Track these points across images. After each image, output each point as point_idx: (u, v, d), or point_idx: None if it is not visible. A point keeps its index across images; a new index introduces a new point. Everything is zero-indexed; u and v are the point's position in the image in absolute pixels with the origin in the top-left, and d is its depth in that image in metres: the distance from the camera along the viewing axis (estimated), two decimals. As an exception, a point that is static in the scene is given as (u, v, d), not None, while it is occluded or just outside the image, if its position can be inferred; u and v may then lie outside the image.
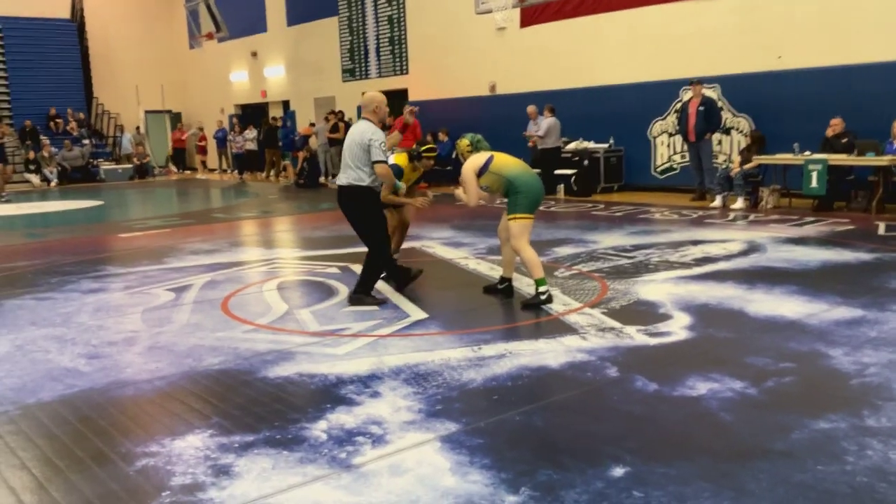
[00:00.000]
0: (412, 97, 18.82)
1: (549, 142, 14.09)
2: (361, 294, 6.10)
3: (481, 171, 5.92)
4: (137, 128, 25.45)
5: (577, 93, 14.83)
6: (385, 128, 6.64)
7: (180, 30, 27.06)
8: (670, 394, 3.89)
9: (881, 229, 8.74)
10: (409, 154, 6.92)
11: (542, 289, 5.73)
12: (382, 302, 6.10)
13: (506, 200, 5.92)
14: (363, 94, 6.50)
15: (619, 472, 3.04)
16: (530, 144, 14.60)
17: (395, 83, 19.24)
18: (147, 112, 26.59)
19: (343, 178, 6.07)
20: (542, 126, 14.10)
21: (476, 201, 6.02)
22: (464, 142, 6.22)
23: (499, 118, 16.22)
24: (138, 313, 6.09)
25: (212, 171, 25.40)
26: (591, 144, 14.24)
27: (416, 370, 4.40)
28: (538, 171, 14.34)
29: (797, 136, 10.90)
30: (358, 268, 7.55)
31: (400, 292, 6.41)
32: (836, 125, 10.56)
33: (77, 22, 26.03)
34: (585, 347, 4.71)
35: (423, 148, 6.94)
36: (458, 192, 6.23)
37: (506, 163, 5.91)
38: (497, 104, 16.64)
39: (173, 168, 26.28)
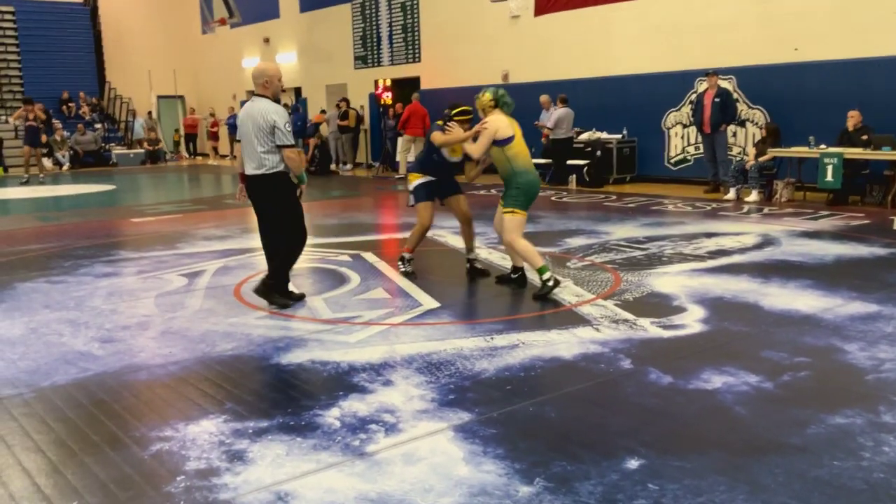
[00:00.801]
0: (424, 85, 18.79)
1: (561, 132, 14.03)
2: (272, 290, 5.62)
3: (498, 143, 5.79)
4: (150, 113, 25.48)
5: (591, 83, 14.75)
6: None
7: (193, 15, 27.03)
8: (685, 387, 3.87)
9: (896, 224, 8.68)
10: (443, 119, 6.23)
11: (545, 276, 5.68)
12: (298, 299, 5.72)
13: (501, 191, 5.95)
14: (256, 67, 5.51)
15: (633, 464, 3.03)
16: (543, 138, 14.56)
17: (407, 71, 19.19)
18: (159, 97, 26.61)
19: (250, 167, 5.42)
20: (553, 117, 14.05)
21: (480, 157, 5.92)
22: (486, 96, 5.94)
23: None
24: (151, 298, 6.11)
25: (223, 157, 25.42)
26: (603, 135, 14.17)
27: (428, 359, 4.39)
28: (549, 160, 14.47)
29: (812, 130, 10.81)
30: (371, 256, 7.57)
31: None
32: (854, 117, 10.46)
33: (90, 6, 26.06)
34: (599, 339, 4.69)
35: (455, 111, 6.18)
36: (468, 144, 5.97)
37: (519, 153, 5.86)
38: (510, 93, 16.47)
39: (185, 154, 26.31)
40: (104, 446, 3.35)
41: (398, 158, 16.82)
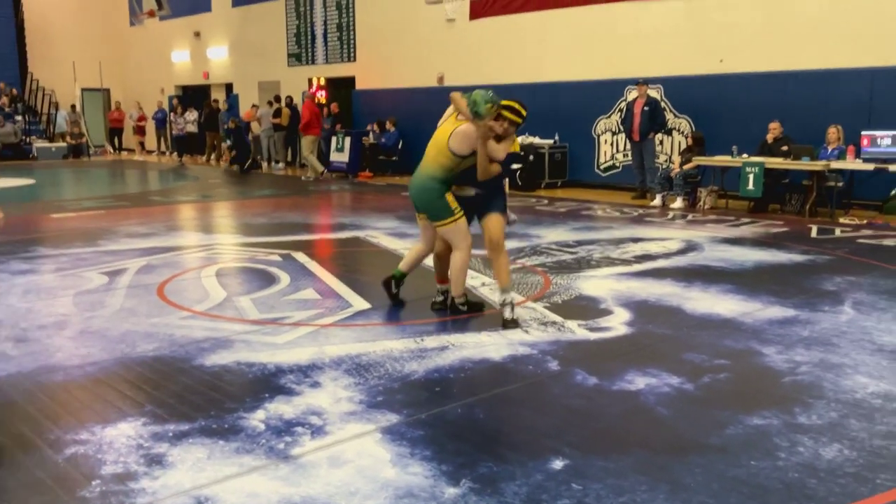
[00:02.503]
0: (360, 85, 18.70)
1: (495, 136, 14.11)
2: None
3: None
4: (73, 106, 24.66)
5: (524, 88, 14.87)
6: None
7: (121, 6, 26.26)
8: (609, 388, 3.94)
9: (814, 232, 9.01)
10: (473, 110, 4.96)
11: (460, 301, 5.37)
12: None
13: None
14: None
15: (558, 464, 3.06)
16: None
17: (342, 70, 19.05)
18: (84, 90, 25.76)
19: None
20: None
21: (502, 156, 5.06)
22: (487, 106, 4.91)
23: (447, 110, 16.21)
24: (70, 297, 5.89)
25: (150, 152, 24.78)
26: (536, 140, 14.34)
27: (357, 361, 4.36)
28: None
29: (735, 139, 11.16)
30: (301, 256, 7.47)
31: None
32: (774, 129, 10.84)
33: (12, -6, 25.09)
34: (528, 341, 4.73)
35: (508, 106, 5.00)
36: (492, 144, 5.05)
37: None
38: (445, 96, 16.53)
39: (109, 148, 25.54)
40: (16, 450, 3.21)
41: (310, 161, 16.71)
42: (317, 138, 16.61)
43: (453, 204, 5.12)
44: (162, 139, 24.21)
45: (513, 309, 5.07)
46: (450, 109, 5.32)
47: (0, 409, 3.65)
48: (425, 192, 5.14)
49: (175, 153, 22.58)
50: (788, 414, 3.58)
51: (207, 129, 20.91)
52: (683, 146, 12.27)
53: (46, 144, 23.38)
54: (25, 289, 6.17)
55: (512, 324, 4.99)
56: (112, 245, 8.18)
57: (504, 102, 5.01)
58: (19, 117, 23.51)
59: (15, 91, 24.67)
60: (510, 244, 8.18)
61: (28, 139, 23.07)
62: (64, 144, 23.50)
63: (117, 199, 12.92)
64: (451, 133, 5.04)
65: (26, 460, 3.11)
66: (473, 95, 4.94)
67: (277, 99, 19.01)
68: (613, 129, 13.71)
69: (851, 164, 10.04)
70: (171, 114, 22.95)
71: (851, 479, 2.94)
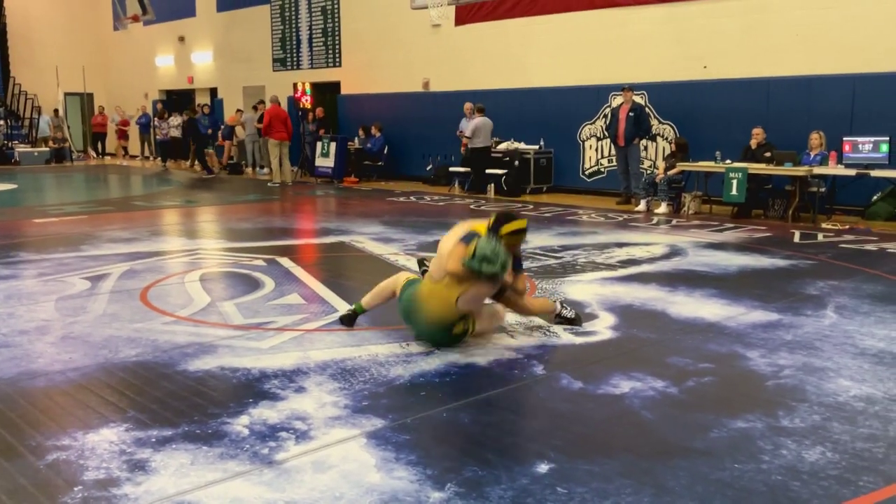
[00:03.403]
0: (345, 90, 18.68)
1: (479, 141, 14.17)
2: None
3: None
4: (56, 110, 24.48)
5: (509, 93, 14.95)
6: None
7: (104, 10, 26.13)
8: (594, 392, 3.94)
9: (796, 237, 9.08)
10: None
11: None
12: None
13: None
14: None
15: (543, 468, 3.06)
16: (462, 147, 14.70)
17: (327, 75, 19.03)
18: (67, 94, 25.59)
19: None
20: (470, 126, 14.21)
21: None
22: (501, 264, 4.45)
23: (432, 115, 16.26)
24: (52, 302, 5.84)
25: (133, 157, 24.62)
26: (521, 145, 14.37)
27: (342, 365, 4.34)
28: (468, 169, 14.59)
29: (719, 145, 11.24)
30: (286, 261, 7.44)
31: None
32: (757, 135, 10.93)
33: (-7, -2, 24.90)
34: (513, 345, 4.73)
35: (509, 229, 4.62)
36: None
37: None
38: (430, 101, 16.63)
39: (92, 153, 25.38)
40: (-5, 457, 3.17)
41: (272, 165, 16.67)
42: (279, 142, 16.38)
43: (461, 328, 4.63)
44: (146, 144, 24.06)
45: (568, 308, 5.19)
46: (458, 230, 4.71)
47: (-20, 416, 3.61)
48: (436, 335, 4.69)
49: (159, 158, 22.46)
50: (772, 417, 3.60)
51: (192, 134, 20.85)
52: (668, 152, 12.33)
53: (29, 149, 23.19)
54: (7, 294, 6.11)
55: (577, 320, 5.16)
56: (95, 250, 8.12)
57: (505, 230, 4.57)
58: (1, 122, 23.33)
59: (-4, 95, 24.51)
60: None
61: (10, 144, 22.89)
62: (46, 149, 23.32)
63: (100, 204, 12.84)
64: (458, 297, 4.50)
65: (7, 466, 3.08)
66: (479, 265, 4.35)
67: (262, 103, 18.93)
68: (598, 135, 13.77)
69: (833, 169, 10.14)
70: (155, 118, 22.83)
71: (834, 482, 2.96)
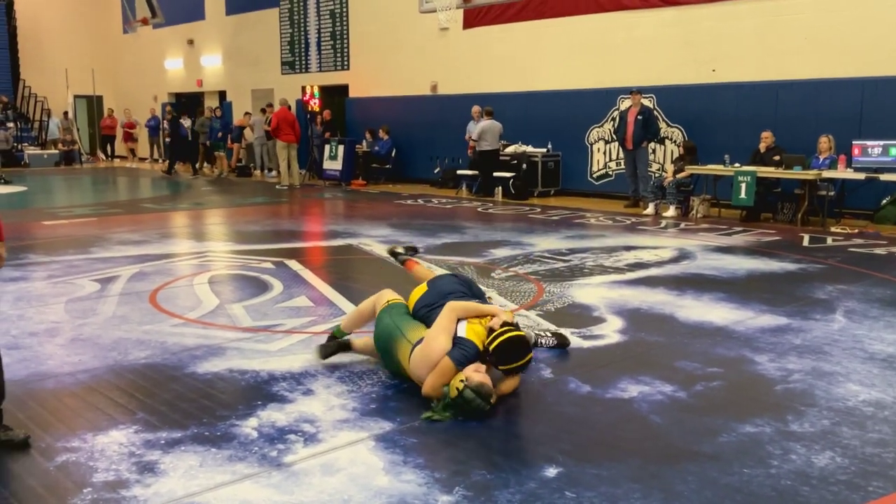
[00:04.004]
0: (353, 93, 18.71)
1: (486, 144, 14.16)
2: None
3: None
4: (65, 113, 24.59)
5: (518, 97, 14.95)
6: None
7: (114, 13, 26.27)
8: (602, 396, 3.94)
9: (805, 241, 9.05)
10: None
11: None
12: None
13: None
14: None
15: (551, 472, 3.06)
16: (469, 150, 14.71)
17: (336, 78, 19.06)
18: (76, 97, 25.72)
19: None
20: (476, 129, 14.21)
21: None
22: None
23: (440, 119, 16.28)
24: (61, 304, 5.87)
25: (142, 159, 24.72)
26: (529, 148, 14.37)
27: (350, 368, 4.35)
28: (476, 171, 14.60)
29: (728, 148, 11.21)
30: (294, 264, 7.46)
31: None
32: (766, 138, 10.90)
33: (5, 1, 25.00)
34: (520, 349, 4.71)
35: (507, 368, 3.84)
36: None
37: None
38: (438, 104, 16.65)
39: (101, 156, 25.49)
40: (6, 458, 3.18)
41: (281, 168, 16.71)
42: (287, 145, 16.43)
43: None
44: (155, 146, 24.15)
45: (548, 335, 4.78)
46: (451, 315, 3.98)
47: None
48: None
49: (167, 162, 22.50)
50: (781, 422, 3.58)
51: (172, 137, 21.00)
52: (676, 155, 12.31)
53: (39, 151, 23.32)
54: (17, 296, 6.14)
55: (562, 340, 4.74)
56: (104, 252, 8.15)
57: (504, 368, 3.85)
58: (11, 124, 23.44)
59: (7, 98, 24.61)
60: (503, 252, 8.19)
61: (20, 146, 23.01)
62: (56, 151, 23.45)
63: (109, 207, 12.89)
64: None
65: (17, 468, 3.09)
66: (457, 411, 3.60)
67: (271, 106, 18.99)
68: (606, 138, 13.76)
69: (843, 173, 10.10)
70: (164, 121, 22.89)
71: (843, 487, 2.95)
